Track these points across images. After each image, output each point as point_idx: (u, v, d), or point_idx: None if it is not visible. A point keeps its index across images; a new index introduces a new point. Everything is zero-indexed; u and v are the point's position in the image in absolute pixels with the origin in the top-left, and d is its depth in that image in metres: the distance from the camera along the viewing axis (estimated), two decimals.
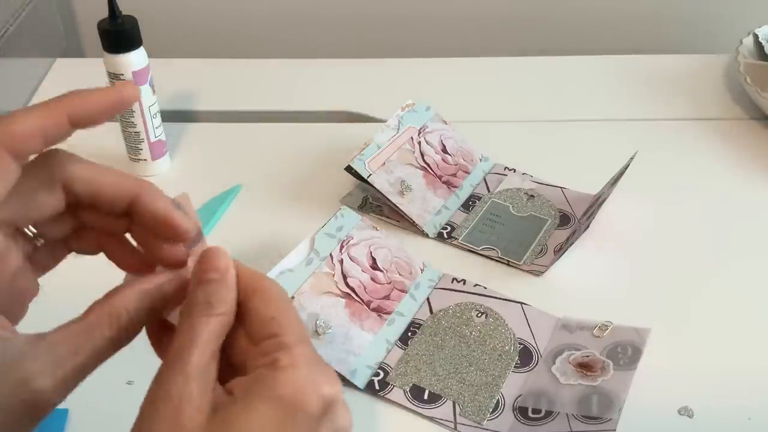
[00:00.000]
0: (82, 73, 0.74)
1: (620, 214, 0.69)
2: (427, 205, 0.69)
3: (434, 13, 1.02)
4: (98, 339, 0.31)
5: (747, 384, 0.55)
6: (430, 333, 0.59)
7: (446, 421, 0.53)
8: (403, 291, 0.61)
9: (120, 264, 0.36)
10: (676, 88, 0.88)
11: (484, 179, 0.74)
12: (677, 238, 0.68)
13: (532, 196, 0.72)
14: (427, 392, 0.54)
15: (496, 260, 0.66)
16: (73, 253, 0.36)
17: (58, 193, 0.33)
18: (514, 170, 0.75)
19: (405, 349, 0.57)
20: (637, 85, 0.89)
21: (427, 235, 0.68)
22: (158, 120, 0.72)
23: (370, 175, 0.68)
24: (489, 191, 0.73)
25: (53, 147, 0.33)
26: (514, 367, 0.56)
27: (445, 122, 0.77)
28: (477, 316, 0.60)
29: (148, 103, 0.70)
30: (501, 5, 1.01)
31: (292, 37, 1.04)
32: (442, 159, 0.73)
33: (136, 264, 0.36)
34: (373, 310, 0.58)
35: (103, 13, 0.67)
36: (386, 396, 0.54)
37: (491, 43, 1.04)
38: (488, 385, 0.55)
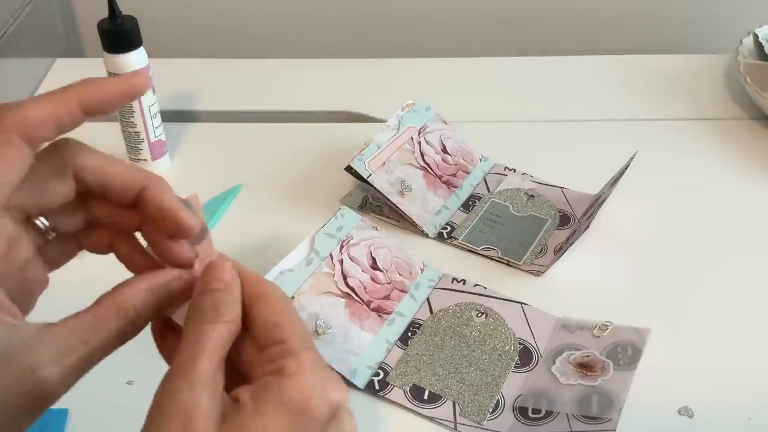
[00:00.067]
0: (82, 73, 0.73)
1: (620, 214, 0.69)
2: (427, 205, 0.69)
3: (434, 13, 1.02)
4: (106, 331, 0.31)
5: (747, 384, 0.55)
6: (430, 333, 0.59)
7: (446, 421, 0.53)
8: (403, 291, 0.61)
9: (129, 265, 0.36)
10: (676, 88, 0.88)
11: (484, 179, 0.74)
12: (677, 238, 0.68)
13: (532, 196, 0.72)
14: (427, 392, 0.54)
15: (496, 260, 0.66)
16: (84, 251, 0.36)
17: (69, 182, 0.33)
18: (514, 170, 0.75)
19: (405, 349, 0.57)
20: (637, 85, 0.89)
21: (427, 235, 0.68)
22: (158, 120, 0.72)
23: (370, 175, 0.68)
24: (489, 191, 0.73)
25: (64, 136, 0.33)
26: (514, 367, 0.56)
27: (445, 122, 0.76)
28: (477, 316, 0.60)
29: (148, 103, 0.71)
30: (501, 5, 1.01)
31: (292, 37, 1.04)
32: (442, 159, 0.73)
33: (144, 266, 0.36)
34: (373, 310, 0.58)
35: (103, 13, 0.67)
36: (386, 396, 0.54)
37: (491, 43, 1.04)
38: (488, 385, 0.55)
